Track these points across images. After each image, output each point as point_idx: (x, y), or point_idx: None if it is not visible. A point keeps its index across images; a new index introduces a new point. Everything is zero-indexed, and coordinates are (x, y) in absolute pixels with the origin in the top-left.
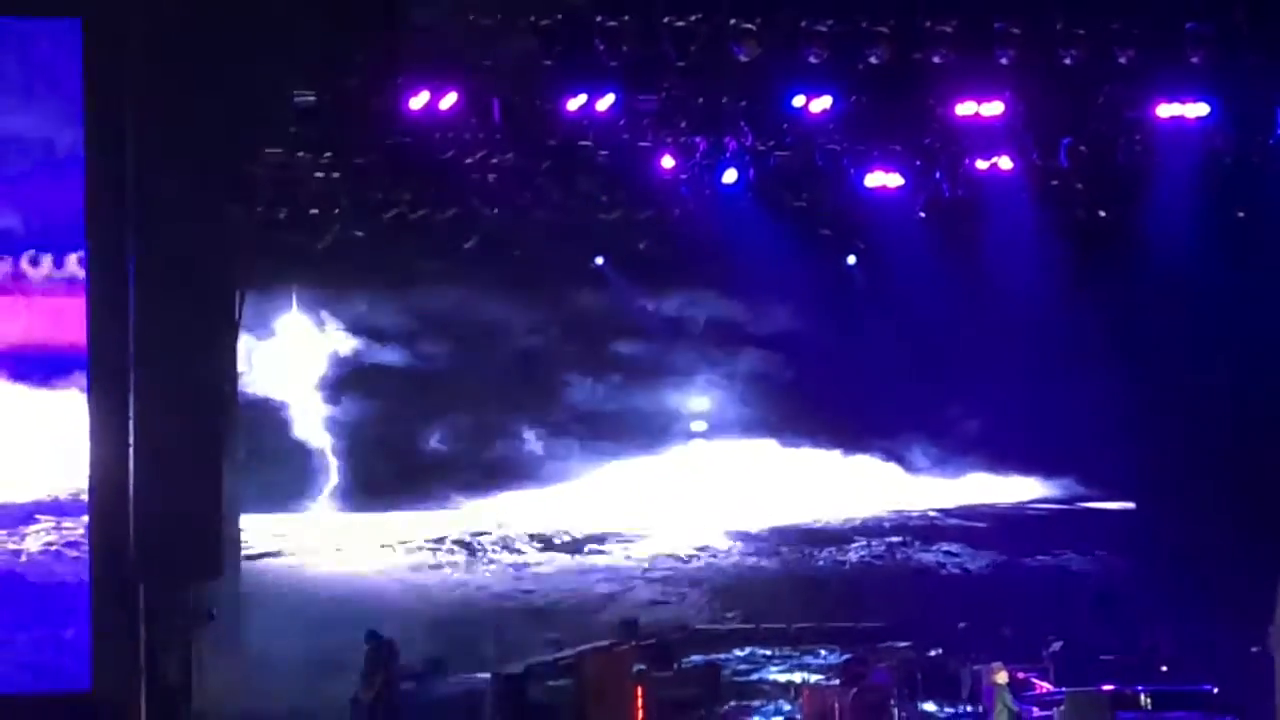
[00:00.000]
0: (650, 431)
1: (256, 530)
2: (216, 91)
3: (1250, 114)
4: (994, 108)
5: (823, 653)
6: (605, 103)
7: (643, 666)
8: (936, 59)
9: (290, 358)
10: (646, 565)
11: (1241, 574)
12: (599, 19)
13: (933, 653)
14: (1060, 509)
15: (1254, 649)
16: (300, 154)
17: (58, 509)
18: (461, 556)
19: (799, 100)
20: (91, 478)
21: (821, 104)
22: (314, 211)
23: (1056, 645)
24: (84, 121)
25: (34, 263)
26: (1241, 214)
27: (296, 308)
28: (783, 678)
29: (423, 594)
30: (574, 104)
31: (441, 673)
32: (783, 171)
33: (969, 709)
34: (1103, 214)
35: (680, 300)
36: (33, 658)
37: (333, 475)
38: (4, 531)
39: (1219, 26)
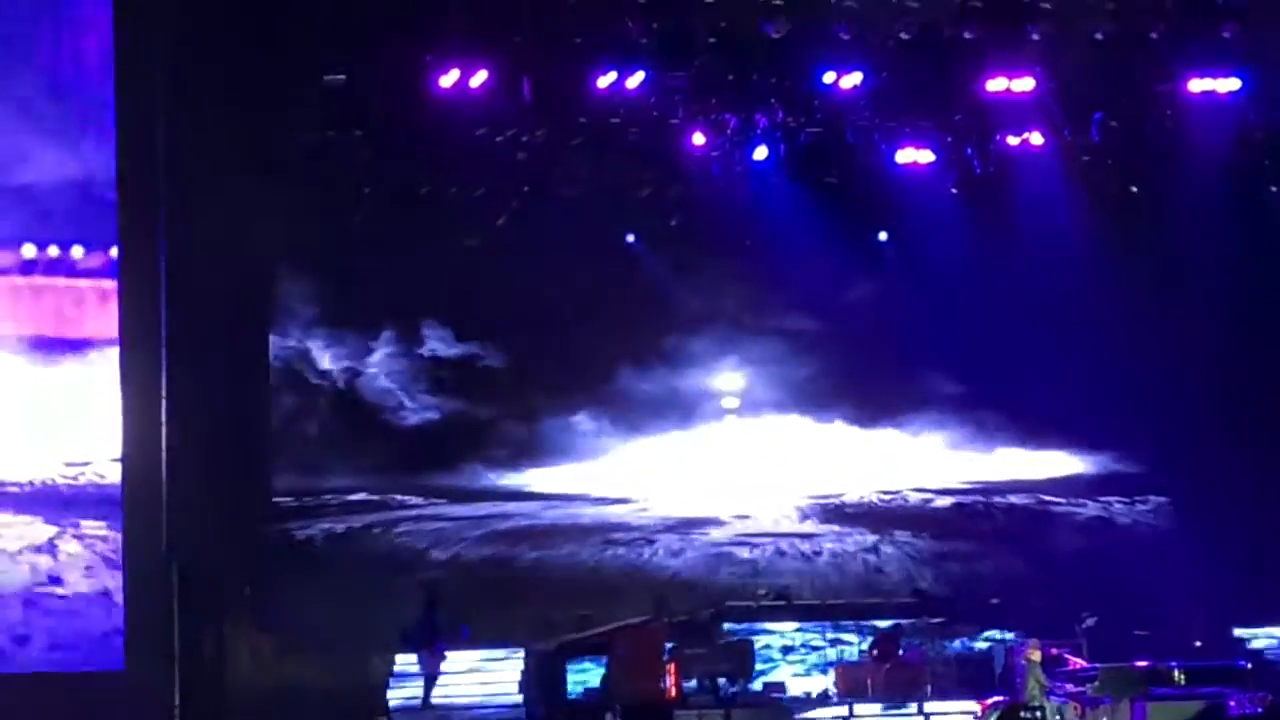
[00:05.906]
0: (681, 408)
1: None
2: (248, 73)
3: None
4: (1025, 83)
5: (855, 630)
6: (636, 80)
7: (675, 643)
8: (967, 34)
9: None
10: (679, 541)
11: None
12: None
13: (964, 629)
14: (1094, 485)
15: None
16: (331, 133)
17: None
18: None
19: (829, 76)
20: (124, 459)
21: (852, 80)
22: (345, 190)
23: (1090, 621)
24: (115, 108)
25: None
26: (1274, 189)
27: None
28: (815, 655)
29: (458, 566)
30: (604, 81)
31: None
32: (813, 148)
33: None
34: (1134, 189)
35: (711, 276)
36: (67, 637)
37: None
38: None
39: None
